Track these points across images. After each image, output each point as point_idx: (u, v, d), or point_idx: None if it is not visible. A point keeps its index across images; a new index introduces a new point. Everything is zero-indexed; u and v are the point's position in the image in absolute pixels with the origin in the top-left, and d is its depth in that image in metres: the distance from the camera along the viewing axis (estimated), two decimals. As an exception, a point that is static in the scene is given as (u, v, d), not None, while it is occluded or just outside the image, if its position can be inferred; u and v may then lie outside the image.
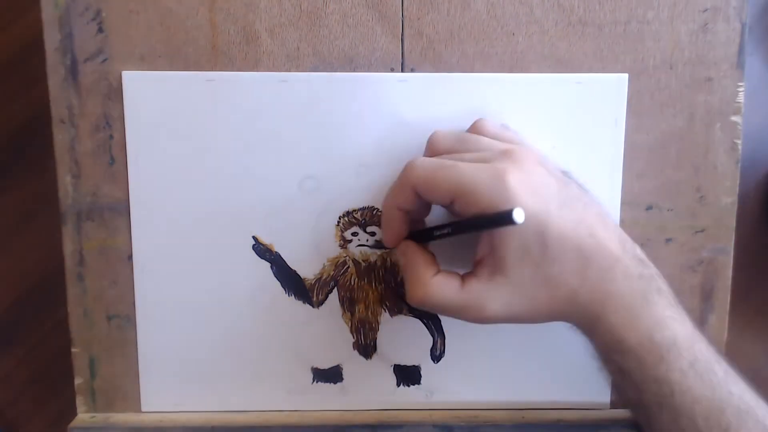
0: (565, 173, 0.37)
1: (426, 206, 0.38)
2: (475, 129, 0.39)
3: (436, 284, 0.36)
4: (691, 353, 0.34)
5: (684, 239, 0.42)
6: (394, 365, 0.43)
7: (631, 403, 0.37)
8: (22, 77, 0.48)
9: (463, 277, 0.36)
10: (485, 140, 0.37)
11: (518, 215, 0.31)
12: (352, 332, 0.43)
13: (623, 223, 0.42)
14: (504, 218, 0.31)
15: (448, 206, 0.35)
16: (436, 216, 0.39)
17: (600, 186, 0.41)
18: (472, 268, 0.37)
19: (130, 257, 0.42)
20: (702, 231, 0.42)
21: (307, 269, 0.42)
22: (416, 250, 0.37)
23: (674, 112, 0.41)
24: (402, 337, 0.43)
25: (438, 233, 0.37)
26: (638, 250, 0.36)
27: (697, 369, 0.34)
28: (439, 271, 0.36)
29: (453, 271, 0.36)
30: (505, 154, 0.35)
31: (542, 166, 0.35)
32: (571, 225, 0.34)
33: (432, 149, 0.38)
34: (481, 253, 0.36)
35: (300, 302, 0.42)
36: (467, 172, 0.34)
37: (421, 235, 0.38)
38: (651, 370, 0.34)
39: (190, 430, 0.42)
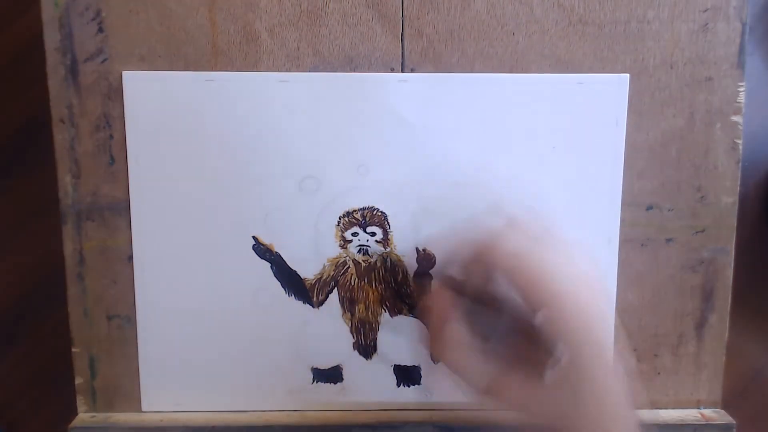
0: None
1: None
2: (510, 226, 0.35)
3: (462, 351, 0.35)
4: None
5: (684, 239, 0.42)
6: (394, 365, 0.43)
7: None
8: (22, 77, 0.48)
9: (489, 352, 0.35)
10: (561, 244, 0.35)
11: None
12: (352, 332, 0.43)
13: (623, 223, 0.42)
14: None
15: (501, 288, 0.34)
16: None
17: (601, 186, 0.41)
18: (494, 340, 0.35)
19: (130, 257, 0.42)
20: (702, 231, 0.42)
21: (307, 269, 0.42)
22: (450, 304, 0.36)
23: (674, 112, 0.41)
24: (402, 338, 0.43)
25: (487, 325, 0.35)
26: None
27: None
28: (466, 335, 0.35)
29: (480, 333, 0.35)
30: (581, 280, 0.33)
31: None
32: (609, 386, 0.32)
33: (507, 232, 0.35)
34: (518, 339, 0.35)
35: (300, 302, 0.42)
36: (570, 284, 0.32)
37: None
38: None
39: (190, 430, 0.42)
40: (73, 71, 0.40)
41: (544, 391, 0.33)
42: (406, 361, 0.43)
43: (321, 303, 0.42)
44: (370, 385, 0.43)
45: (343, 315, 0.42)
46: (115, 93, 0.40)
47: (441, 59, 0.41)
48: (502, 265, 0.33)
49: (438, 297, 0.37)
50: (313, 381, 0.43)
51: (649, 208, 0.42)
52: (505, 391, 0.34)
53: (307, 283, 0.42)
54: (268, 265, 0.42)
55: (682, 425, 0.42)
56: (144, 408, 0.43)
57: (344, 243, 0.42)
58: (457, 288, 0.36)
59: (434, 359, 0.35)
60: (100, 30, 0.40)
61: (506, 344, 0.35)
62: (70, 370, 0.43)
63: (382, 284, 0.42)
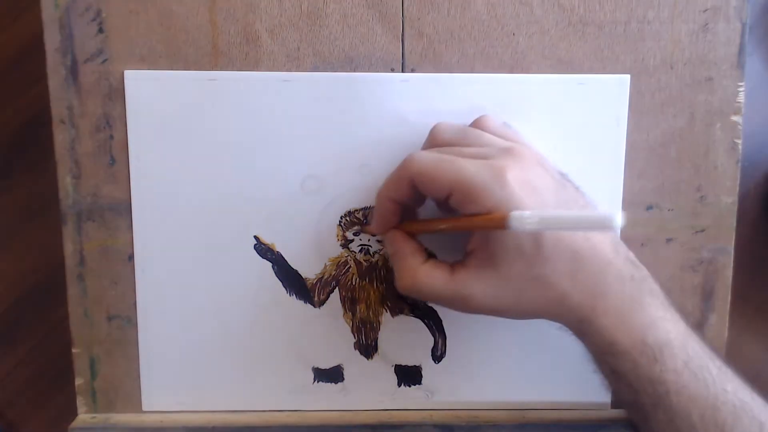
0: (562, 175, 0.37)
1: (421, 198, 0.38)
2: (477, 125, 0.39)
3: (424, 272, 0.36)
4: (684, 353, 0.34)
5: (684, 239, 0.42)
6: (395, 365, 0.43)
7: (626, 404, 0.37)
8: (22, 77, 0.48)
9: (453, 266, 0.36)
10: (487, 136, 0.37)
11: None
12: (353, 332, 0.43)
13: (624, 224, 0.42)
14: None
15: (443, 201, 0.35)
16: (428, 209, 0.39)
17: (601, 186, 0.41)
18: (462, 256, 0.37)
19: (131, 257, 0.42)
20: (702, 231, 0.42)
21: (308, 269, 0.42)
22: (404, 239, 0.38)
23: (675, 112, 0.41)
24: (403, 337, 0.43)
25: (433, 228, 0.37)
26: (630, 254, 0.36)
27: (691, 368, 0.34)
28: (427, 260, 0.37)
29: (442, 260, 0.37)
30: (506, 152, 0.35)
31: (541, 166, 0.35)
32: None
33: (433, 141, 0.38)
34: (473, 244, 0.36)
35: (301, 302, 0.42)
36: (467, 168, 0.34)
37: (413, 226, 0.39)
38: (645, 371, 0.34)
39: (190, 430, 0.42)
40: (73, 72, 0.40)
41: (507, 281, 0.35)
42: (407, 361, 0.43)
43: (322, 303, 0.42)
44: (371, 385, 0.43)
45: (344, 315, 0.42)
46: (116, 93, 0.40)
47: (441, 59, 0.41)
48: (414, 178, 0.35)
49: (391, 237, 0.38)
50: (314, 381, 0.43)
51: (649, 207, 0.42)
52: (476, 296, 0.35)
53: (308, 283, 0.42)
54: (269, 264, 0.42)
55: (682, 425, 0.42)
56: (144, 408, 0.43)
57: (346, 242, 0.42)
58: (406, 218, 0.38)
59: (405, 296, 0.37)
60: (101, 30, 0.40)
61: (464, 254, 0.37)
62: (70, 371, 0.43)
63: (383, 284, 0.42)
